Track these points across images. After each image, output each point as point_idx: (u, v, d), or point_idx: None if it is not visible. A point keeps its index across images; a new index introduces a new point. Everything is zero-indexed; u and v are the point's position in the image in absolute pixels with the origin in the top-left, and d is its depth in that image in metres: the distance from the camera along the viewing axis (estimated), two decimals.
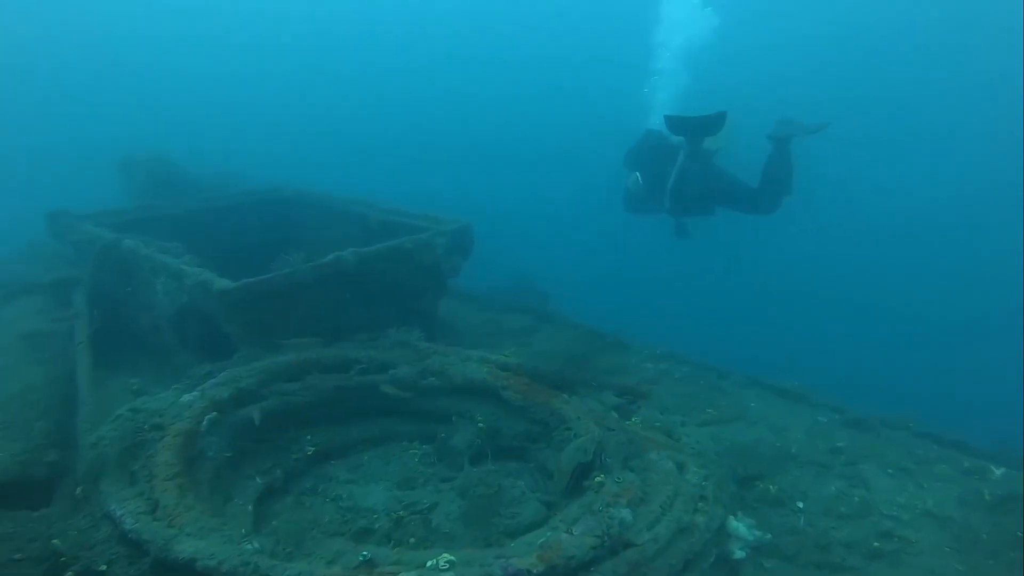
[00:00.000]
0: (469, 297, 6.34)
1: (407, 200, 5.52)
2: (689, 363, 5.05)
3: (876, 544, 3.13)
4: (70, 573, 2.28)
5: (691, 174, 5.29)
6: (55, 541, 2.40)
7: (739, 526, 2.95)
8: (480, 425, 3.67)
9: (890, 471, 3.78)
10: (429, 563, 2.22)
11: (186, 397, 3.23)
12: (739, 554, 2.91)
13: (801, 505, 3.43)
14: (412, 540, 2.84)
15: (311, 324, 4.03)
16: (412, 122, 23.58)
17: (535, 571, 2.15)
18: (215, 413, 3.14)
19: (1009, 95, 18.35)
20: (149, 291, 4.33)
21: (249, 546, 2.27)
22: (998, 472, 3.75)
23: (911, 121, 20.79)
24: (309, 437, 3.51)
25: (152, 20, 25.15)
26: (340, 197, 5.84)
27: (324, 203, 5.89)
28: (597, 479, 2.87)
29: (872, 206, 19.79)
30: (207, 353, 4.05)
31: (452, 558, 2.24)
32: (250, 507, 2.95)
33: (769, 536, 3.07)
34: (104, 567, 2.28)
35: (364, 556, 2.30)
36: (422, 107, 24.66)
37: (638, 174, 5.96)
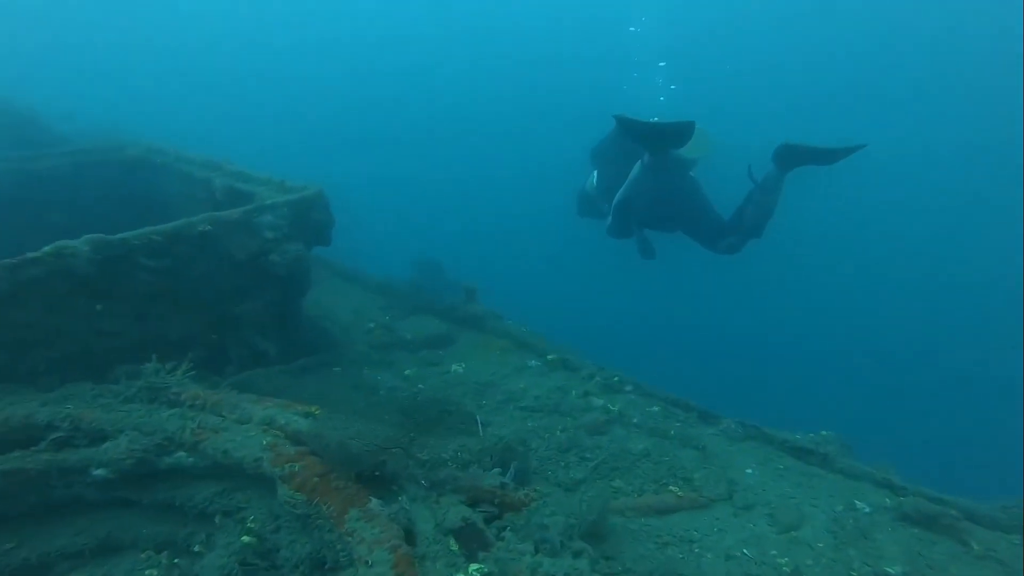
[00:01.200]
0: (381, 289, 4.79)
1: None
2: (659, 399, 3.37)
3: None
4: None
5: (644, 188, 4.16)
6: None
7: None
8: (245, 539, 2.16)
9: None
10: None
11: None
12: None
13: None
14: None
15: (20, 359, 2.58)
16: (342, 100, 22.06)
17: None
18: None
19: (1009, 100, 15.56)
20: None
21: None
22: None
23: (914, 127, 18.11)
24: None
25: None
26: (193, 157, 4.31)
27: (175, 165, 4.37)
28: None
29: (867, 211, 17.52)
30: None
31: None
32: None
33: None
34: None
35: None
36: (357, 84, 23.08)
37: (595, 173, 4.80)
